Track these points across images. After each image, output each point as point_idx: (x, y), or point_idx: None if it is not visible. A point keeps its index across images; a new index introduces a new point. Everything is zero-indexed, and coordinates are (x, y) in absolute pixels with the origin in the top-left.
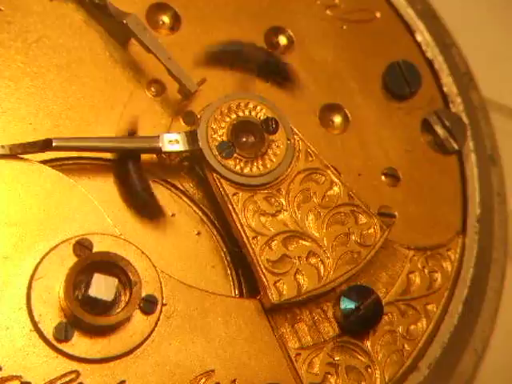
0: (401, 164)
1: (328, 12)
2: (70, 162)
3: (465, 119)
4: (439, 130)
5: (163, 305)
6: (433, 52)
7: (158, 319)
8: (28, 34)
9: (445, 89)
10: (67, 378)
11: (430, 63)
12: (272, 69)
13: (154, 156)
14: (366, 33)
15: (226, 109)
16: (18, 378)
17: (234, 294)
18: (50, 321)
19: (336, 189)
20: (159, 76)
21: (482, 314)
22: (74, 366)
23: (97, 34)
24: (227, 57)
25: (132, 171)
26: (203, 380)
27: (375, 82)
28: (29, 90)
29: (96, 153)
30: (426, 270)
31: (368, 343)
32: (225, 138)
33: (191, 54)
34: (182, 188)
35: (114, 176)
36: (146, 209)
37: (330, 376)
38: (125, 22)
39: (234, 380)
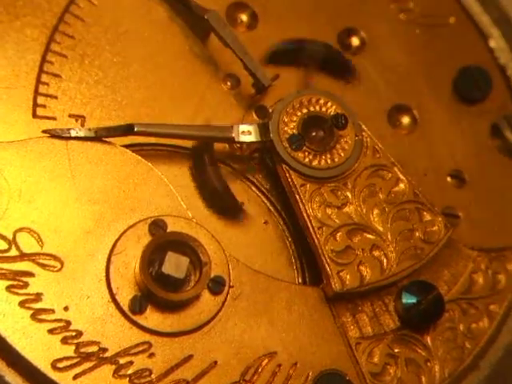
0: (468, 166)
1: (402, 16)
2: (149, 147)
3: None
4: (509, 135)
5: (230, 286)
6: (506, 58)
7: (225, 300)
8: (117, 26)
9: None
10: (140, 348)
11: (502, 69)
12: (335, 64)
13: (227, 146)
14: (439, 37)
15: (297, 103)
16: (96, 343)
17: (297, 282)
18: (126, 293)
19: (402, 186)
20: (235, 71)
21: None
22: (147, 337)
23: (179, 29)
24: (299, 55)
25: (207, 161)
26: (266, 361)
27: (446, 86)
28: (115, 79)
29: (173, 140)
30: (489, 271)
31: (428, 338)
32: (295, 131)
33: (266, 50)
34: (251, 178)
35: (188, 163)
36: (218, 196)
37: (389, 367)
38: (206, 17)
39: (295, 363)
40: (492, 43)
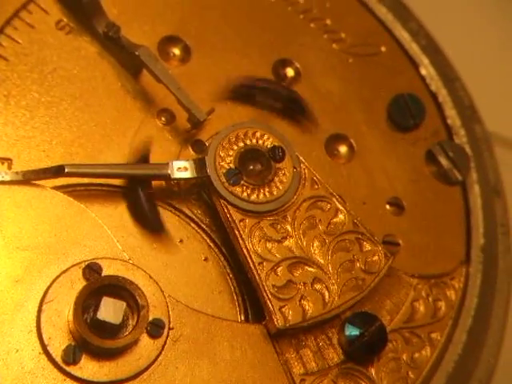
0: (405, 194)
1: (334, 46)
2: (81, 188)
3: (468, 151)
4: (443, 161)
5: (170, 329)
6: (437, 85)
7: (165, 343)
8: (44, 65)
9: (449, 121)
10: None
11: (433, 96)
12: (287, 103)
13: (164, 183)
14: (372, 66)
15: (233, 137)
16: None
17: (239, 319)
18: (58, 344)
19: (341, 216)
20: (169, 106)
21: (487, 343)
22: None
23: (110, 65)
24: (239, 91)
25: (142, 198)
26: None
27: (380, 114)
28: (43, 119)
29: (106, 179)
30: (430, 299)
31: (372, 370)
32: (232, 166)
33: (201, 84)
34: (190, 214)
35: (123, 202)
36: (155, 235)
37: None
38: (137, 53)
39: None
40: (423, 71)
